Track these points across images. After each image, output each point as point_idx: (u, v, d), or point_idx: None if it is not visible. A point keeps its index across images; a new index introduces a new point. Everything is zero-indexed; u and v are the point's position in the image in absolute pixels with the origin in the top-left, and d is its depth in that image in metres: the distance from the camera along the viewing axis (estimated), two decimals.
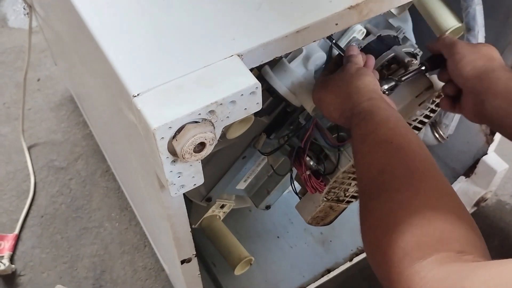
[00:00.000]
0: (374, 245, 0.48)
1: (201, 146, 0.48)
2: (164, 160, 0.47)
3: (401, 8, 0.85)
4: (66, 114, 1.52)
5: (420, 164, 0.51)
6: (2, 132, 1.48)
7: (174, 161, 0.48)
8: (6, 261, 1.18)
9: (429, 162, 0.52)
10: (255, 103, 0.48)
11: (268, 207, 1.10)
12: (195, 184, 0.53)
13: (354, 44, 0.77)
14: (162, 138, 0.45)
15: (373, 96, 0.61)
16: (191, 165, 0.50)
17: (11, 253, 1.22)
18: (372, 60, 0.72)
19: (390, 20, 0.89)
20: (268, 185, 1.06)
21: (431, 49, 0.74)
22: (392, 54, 0.81)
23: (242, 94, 0.46)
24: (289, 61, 0.71)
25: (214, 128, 0.48)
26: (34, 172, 1.38)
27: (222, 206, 1.07)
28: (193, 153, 0.47)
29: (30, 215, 1.30)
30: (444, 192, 0.48)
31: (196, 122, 0.46)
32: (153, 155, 0.48)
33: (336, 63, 0.73)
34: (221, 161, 0.93)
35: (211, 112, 0.46)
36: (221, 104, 0.46)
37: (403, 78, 0.73)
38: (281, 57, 0.72)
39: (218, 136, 0.48)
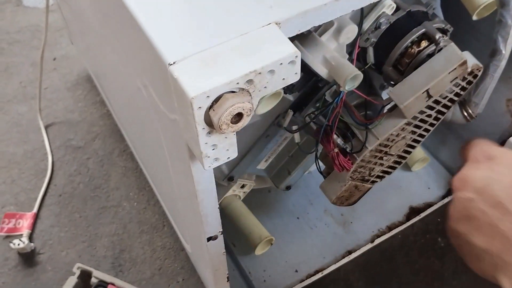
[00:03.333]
0: None
1: (238, 117, 0.46)
2: (200, 131, 0.46)
3: None
4: (83, 94, 1.52)
5: None
6: (20, 111, 1.47)
7: (209, 133, 0.47)
8: (25, 239, 1.19)
9: None
10: (294, 73, 0.47)
11: (288, 188, 1.09)
12: (229, 158, 0.52)
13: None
14: (200, 107, 0.44)
15: None
16: (226, 137, 0.49)
17: (30, 231, 1.22)
18: None
19: None
20: (289, 166, 1.05)
21: (463, 157, 0.60)
22: (423, 30, 0.79)
23: (281, 63, 0.45)
24: (320, 35, 0.69)
25: (252, 98, 0.46)
26: (51, 151, 1.37)
27: (243, 186, 1.06)
28: (230, 124, 0.46)
29: (48, 194, 1.30)
30: None
31: (234, 92, 0.45)
32: (188, 126, 0.47)
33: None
34: (244, 140, 0.92)
35: (249, 81, 0.45)
36: (259, 73, 0.44)
37: None
38: (310, 31, 0.70)
39: (255, 107, 0.47)
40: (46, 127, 1.43)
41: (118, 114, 1.30)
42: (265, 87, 0.46)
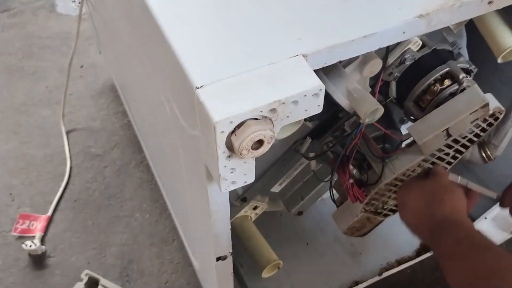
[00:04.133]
0: None
1: (259, 143, 0.47)
2: (220, 154, 0.47)
3: (459, 22, 0.83)
4: (106, 103, 1.54)
5: None
6: (43, 114, 1.50)
7: (229, 156, 0.48)
8: (37, 241, 1.20)
9: None
10: (317, 105, 0.48)
11: (300, 213, 1.09)
12: (245, 182, 0.52)
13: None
14: (222, 132, 0.45)
15: (456, 210, 0.67)
16: (245, 162, 0.50)
17: (42, 234, 1.24)
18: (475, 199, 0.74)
19: (445, 34, 0.87)
20: (303, 191, 1.05)
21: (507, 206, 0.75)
22: (447, 69, 0.79)
23: (305, 95, 0.46)
24: (344, 66, 0.70)
25: (273, 126, 0.47)
26: (70, 157, 1.40)
27: (255, 208, 1.06)
28: (251, 150, 0.47)
29: (63, 199, 1.32)
30: None
31: (257, 119, 0.46)
32: (209, 148, 0.48)
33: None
34: (261, 162, 0.93)
35: (273, 110, 0.46)
36: (283, 103, 0.45)
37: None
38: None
39: (276, 135, 0.48)
40: (68, 133, 1.45)
41: (138, 126, 1.32)
42: (288, 116, 0.47)
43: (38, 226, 1.25)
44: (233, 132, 0.46)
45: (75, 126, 1.48)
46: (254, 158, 0.50)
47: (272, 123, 0.47)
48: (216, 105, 0.45)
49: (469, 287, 0.57)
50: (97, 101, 1.55)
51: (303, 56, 0.48)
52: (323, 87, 0.46)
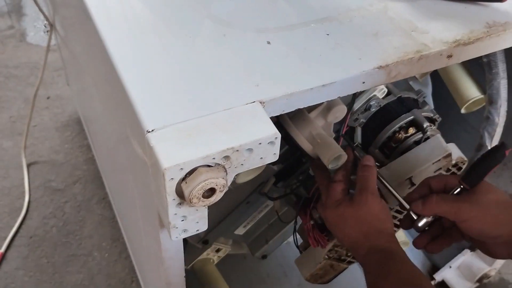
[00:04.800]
0: None
1: (211, 191, 0.45)
2: (170, 202, 0.45)
3: (424, 72, 0.84)
4: (71, 136, 1.51)
5: None
6: (4, 146, 1.46)
7: (180, 204, 0.46)
8: None
9: None
10: (272, 153, 0.46)
11: (264, 257, 1.06)
12: (198, 230, 0.50)
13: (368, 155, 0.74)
14: (172, 179, 0.43)
15: (391, 240, 0.64)
16: (197, 210, 0.48)
17: None
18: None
19: (411, 83, 0.88)
20: (268, 234, 1.03)
21: (422, 213, 0.67)
22: (412, 117, 0.79)
23: (260, 143, 0.44)
24: (309, 111, 0.70)
25: (227, 174, 0.45)
26: (29, 191, 1.35)
27: (218, 250, 1.03)
28: (202, 198, 0.44)
29: (18, 235, 1.26)
30: None
31: (209, 166, 0.44)
32: (158, 194, 0.46)
33: (354, 164, 0.73)
34: (224, 204, 0.90)
35: (226, 157, 0.44)
36: (237, 150, 0.44)
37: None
38: None
39: (229, 183, 0.46)
40: (28, 165, 1.41)
41: (100, 161, 1.29)
42: (242, 164, 0.45)
43: None
44: (183, 179, 0.44)
45: (37, 159, 1.43)
46: (206, 206, 0.47)
47: (226, 171, 0.45)
48: (167, 151, 0.43)
49: None
50: (62, 134, 1.51)
51: (261, 102, 0.47)
52: (279, 135, 0.45)
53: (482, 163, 0.63)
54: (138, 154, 0.52)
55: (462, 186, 0.64)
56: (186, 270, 0.99)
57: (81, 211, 1.32)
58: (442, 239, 0.68)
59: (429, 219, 0.67)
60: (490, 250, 0.64)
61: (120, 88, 0.49)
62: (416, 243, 0.69)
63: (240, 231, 1.01)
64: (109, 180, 1.21)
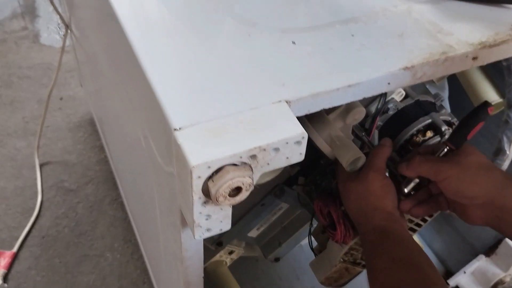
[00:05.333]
0: None
1: (237, 190, 0.45)
2: (196, 200, 0.45)
3: (449, 74, 0.84)
4: (83, 136, 1.51)
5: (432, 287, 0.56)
6: (17, 146, 1.46)
7: (205, 203, 0.46)
8: None
9: (439, 281, 0.57)
10: (299, 153, 0.46)
11: (277, 260, 1.06)
12: (221, 229, 0.50)
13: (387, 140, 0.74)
14: (199, 177, 0.42)
15: (388, 217, 0.65)
16: (221, 209, 0.48)
17: (6, 271, 1.18)
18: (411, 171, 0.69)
19: (428, 86, 0.88)
20: (281, 237, 1.02)
21: (406, 174, 0.69)
22: (430, 120, 0.79)
23: (287, 142, 0.44)
24: (328, 113, 0.69)
25: (253, 173, 0.45)
26: (42, 191, 1.35)
27: (231, 252, 1.03)
28: (228, 197, 0.44)
29: (31, 234, 1.26)
30: None
31: (236, 165, 0.44)
32: (184, 193, 0.46)
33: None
34: (239, 206, 0.90)
35: (253, 156, 0.44)
36: (264, 149, 0.44)
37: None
38: None
39: (255, 182, 0.46)
40: (41, 166, 1.41)
41: (115, 162, 1.29)
42: (268, 163, 0.45)
43: (1, 263, 1.19)
44: (210, 177, 0.44)
45: (49, 159, 1.44)
46: (231, 205, 0.47)
47: (252, 170, 0.45)
48: (194, 149, 0.42)
49: None
50: (74, 134, 1.52)
51: (287, 102, 0.47)
52: (306, 135, 0.45)
53: (466, 122, 0.66)
54: (161, 153, 0.52)
55: (447, 148, 0.66)
56: None
57: (93, 212, 1.32)
58: (427, 204, 0.70)
59: (414, 183, 0.70)
60: (467, 213, 0.65)
61: (146, 88, 0.49)
62: (401, 206, 0.70)
63: (254, 233, 1.01)
64: (123, 180, 1.21)
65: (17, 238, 1.24)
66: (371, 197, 0.66)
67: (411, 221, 0.81)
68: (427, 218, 0.82)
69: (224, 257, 1.03)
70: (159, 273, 0.99)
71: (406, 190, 0.70)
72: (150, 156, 0.61)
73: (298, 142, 0.45)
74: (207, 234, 0.50)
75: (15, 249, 1.22)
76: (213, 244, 0.96)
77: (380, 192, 0.66)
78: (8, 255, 1.20)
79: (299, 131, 0.45)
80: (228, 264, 1.05)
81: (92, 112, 1.51)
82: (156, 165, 0.58)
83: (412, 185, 0.70)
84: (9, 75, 1.68)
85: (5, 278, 1.17)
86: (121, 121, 0.90)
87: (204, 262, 1.01)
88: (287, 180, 0.85)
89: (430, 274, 0.57)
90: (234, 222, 0.93)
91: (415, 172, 0.67)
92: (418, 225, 0.83)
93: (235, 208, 0.95)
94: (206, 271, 1.02)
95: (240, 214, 0.92)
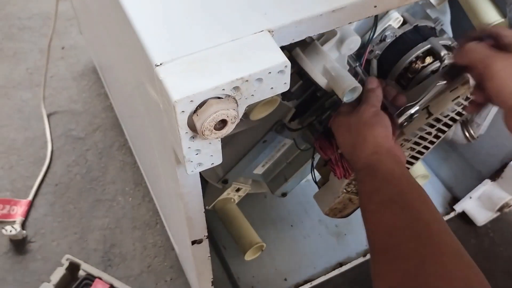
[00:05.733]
0: None
1: (222, 123, 0.45)
2: (183, 135, 0.45)
3: None
4: (88, 85, 1.51)
5: (425, 227, 0.52)
6: (24, 97, 1.47)
7: (193, 137, 0.46)
8: (17, 226, 1.18)
9: (434, 219, 0.53)
10: (283, 83, 0.46)
11: (284, 195, 1.07)
12: (212, 163, 0.50)
13: (373, 77, 0.73)
14: (183, 111, 0.42)
15: (378, 150, 0.63)
16: (210, 143, 0.48)
17: (23, 219, 1.22)
18: (402, 100, 0.70)
19: (428, 11, 0.85)
20: (286, 172, 1.03)
21: (459, 62, 0.64)
22: (429, 46, 0.77)
23: (270, 72, 0.44)
24: (322, 44, 0.68)
25: (238, 105, 0.45)
26: (51, 140, 1.37)
27: (238, 190, 1.05)
28: (214, 130, 0.45)
29: (44, 183, 1.30)
30: (451, 256, 0.49)
31: (219, 98, 0.44)
32: (171, 129, 0.46)
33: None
34: (241, 143, 0.91)
35: (236, 88, 0.43)
36: (246, 80, 0.43)
37: (422, 100, 0.71)
38: (313, 39, 0.69)
39: (240, 115, 0.46)
40: (49, 116, 1.43)
41: (118, 108, 1.30)
42: (252, 95, 0.45)
43: (18, 211, 1.23)
44: (195, 111, 0.44)
45: (56, 109, 1.45)
46: (219, 139, 0.48)
47: (236, 102, 0.45)
48: (176, 83, 0.42)
49: (375, 246, 0.55)
50: (79, 83, 1.52)
51: (269, 31, 0.46)
52: (289, 64, 0.44)
53: None
54: (149, 91, 0.52)
55: None
56: (208, 210, 1.02)
57: (103, 158, 1.34)
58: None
59: (406, 116, 0.70)
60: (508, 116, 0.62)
61: (127, 25, 0.49)
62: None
63: (259, 170, 1.02)
64: (128, 126, 1.22)
65: (31, 187, 1.27)
66: (362, 126, 0.65)
67: (413, 149, 0.81)
68: (428, 145, 0.82)
69: (231, 194, 1.05)
70: (167, 213, 1.02)
71: (400, 121, 0.70)
72: (144, 97, 0.61)
73: (282, 72, 0.44)
74: (200, 169, 0.50)
75: (30, 197, 1.26)
76: (219, 182, 0.98)
77: (372, 120, 0.65)
78: (24, 203, 1.24)
79: (281, 60, 0.44)
80: (236, 201, 1.07)
81: (93, 60, 1.50)
82: (149, 105, 0.58)
83: (405, 117, 0.70)
84: (9, 27, 1.67)
85: (23, 225, 1.21)
86: (117, 66, 0.90)
87: (212, 200, 1.04)
88: (293, 116, 0.85)
89: (423, 212, 0.54)
90: (237, 160, 0.95)
91: (468, 59, 0.61)
92: (420, 152, 0.83)
93: (237, 145, 0.97)
94: (215, 208, 1.05)
95: (243, 152, 0.93)
